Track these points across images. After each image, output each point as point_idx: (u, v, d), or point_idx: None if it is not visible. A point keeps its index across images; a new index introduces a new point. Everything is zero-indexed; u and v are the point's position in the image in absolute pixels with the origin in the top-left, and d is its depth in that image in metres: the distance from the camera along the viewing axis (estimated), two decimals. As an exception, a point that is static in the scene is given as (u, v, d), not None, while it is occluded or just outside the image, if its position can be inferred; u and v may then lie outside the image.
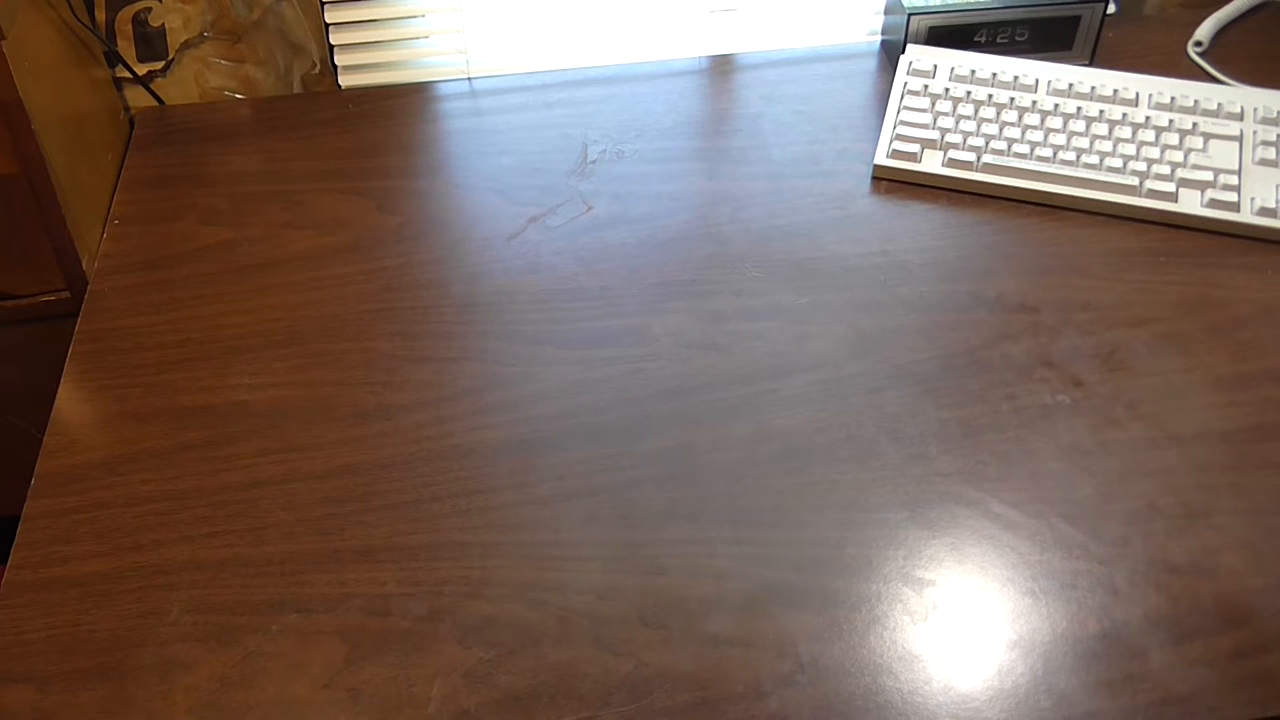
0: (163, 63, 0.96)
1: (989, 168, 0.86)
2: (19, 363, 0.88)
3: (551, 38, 1.01)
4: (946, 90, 0.91)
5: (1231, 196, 0.83)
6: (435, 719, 0.57)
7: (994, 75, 0.91)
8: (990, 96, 0.90)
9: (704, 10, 1.02)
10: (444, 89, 0.99)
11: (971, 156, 0.87)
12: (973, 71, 0.91)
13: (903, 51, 0.95)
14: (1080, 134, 0.87)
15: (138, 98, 0.97)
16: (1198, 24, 1.02)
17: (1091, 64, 0.98)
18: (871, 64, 1.01)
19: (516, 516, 0.65)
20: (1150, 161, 0.85)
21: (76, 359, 0.76)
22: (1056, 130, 0.87)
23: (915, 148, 0.87)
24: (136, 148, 0.93)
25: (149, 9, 0.93)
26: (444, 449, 0.69)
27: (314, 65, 0.98)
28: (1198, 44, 1.01)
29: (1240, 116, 0.87)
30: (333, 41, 0.98)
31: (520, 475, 0.68)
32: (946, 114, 0.89)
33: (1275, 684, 0.57)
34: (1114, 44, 1.01)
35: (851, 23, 1.03)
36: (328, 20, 0.97)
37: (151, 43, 0.95)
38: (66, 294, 0.83)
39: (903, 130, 0.89)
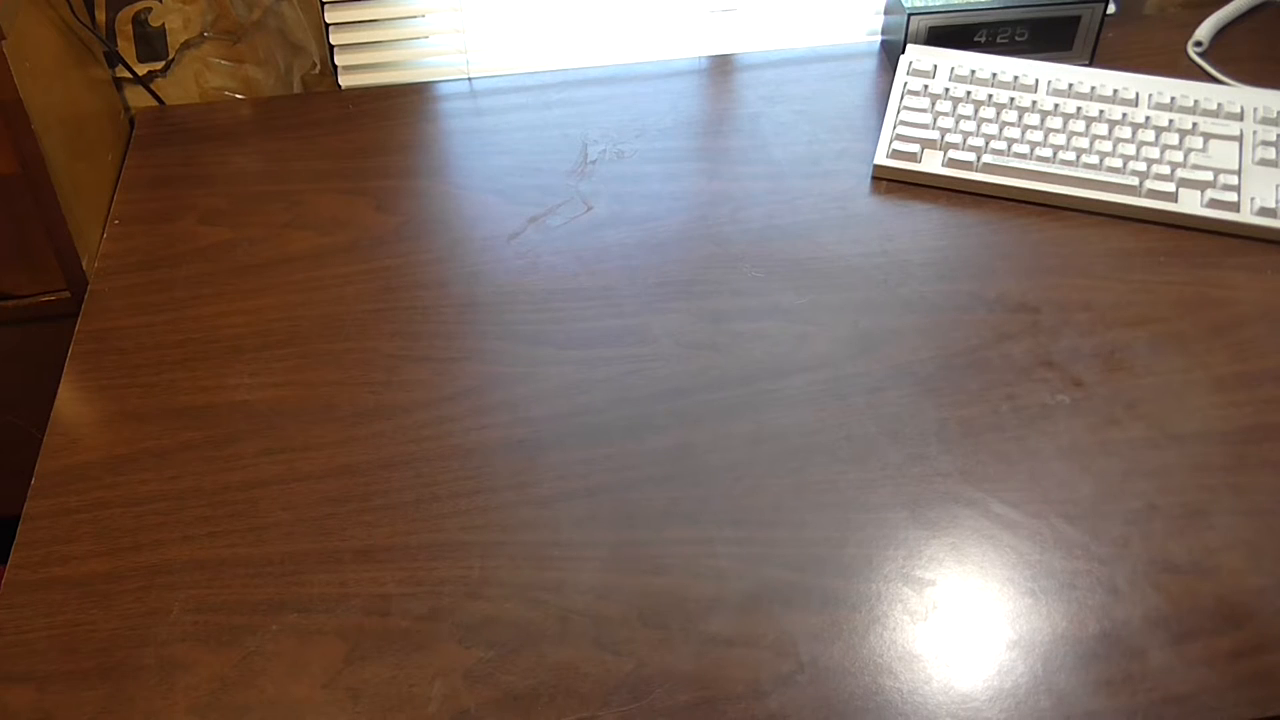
0: (163, 63, 0.96)
1: (989, 168, 0.86)
2: (19, 363, 0.88)
3: (551, 38, 1.01)
4: (946, 90, 0.91)
5: (1231, 196, 0.83)
6: (435, 719, 0.57)
7: (994, 75, 0.91)
8: (990, 96, 0.90)
9: (704, 10, 1.02)
10: (444, 89, 0.99)
11: (971, 156, 0.86)
12: (973, 71, 0.91)
13: (903, 51, 0.95)
14: (1080, 134, 0.87)
15: (138, 98, 0.97)
16: (1198, 24, 1.02)
17: (1091, 64, 0.98)
18: (871, 64, 1.01)
19: (516, 516, 0.66)
20: (1150, 161, 0.85)
21: (76, 359, 0.76)
22: (1056, 130, 0.87)
23: (915, 148, 0.87)
24: (136, 148, 0.93)
25: (149, 9, 0.93)
26: (444, 449, 0.69)
27: (314, 65, 0.98)
28: (1198, 44, 1.01)
29: (1240, 116, 0.87)
30: (333, 41, 0.98)
31: (520, 475, 0.68)
32: (946, 114, 0.89)
33: (1275, 684, 0.57)
34: (1114, 44, 1.01)
35: (851, 23, 1.03)
36: (328, 20, 0.97)
37: (151, 43, 0.95)
38: (66, 294, 0.83)
39: (903, 130, 0.89)
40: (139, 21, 0.94)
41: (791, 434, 0.70)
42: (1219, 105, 0.88)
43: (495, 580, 0.62)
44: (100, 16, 0.92)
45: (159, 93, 0.97)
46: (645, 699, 0.57)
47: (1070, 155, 0.86)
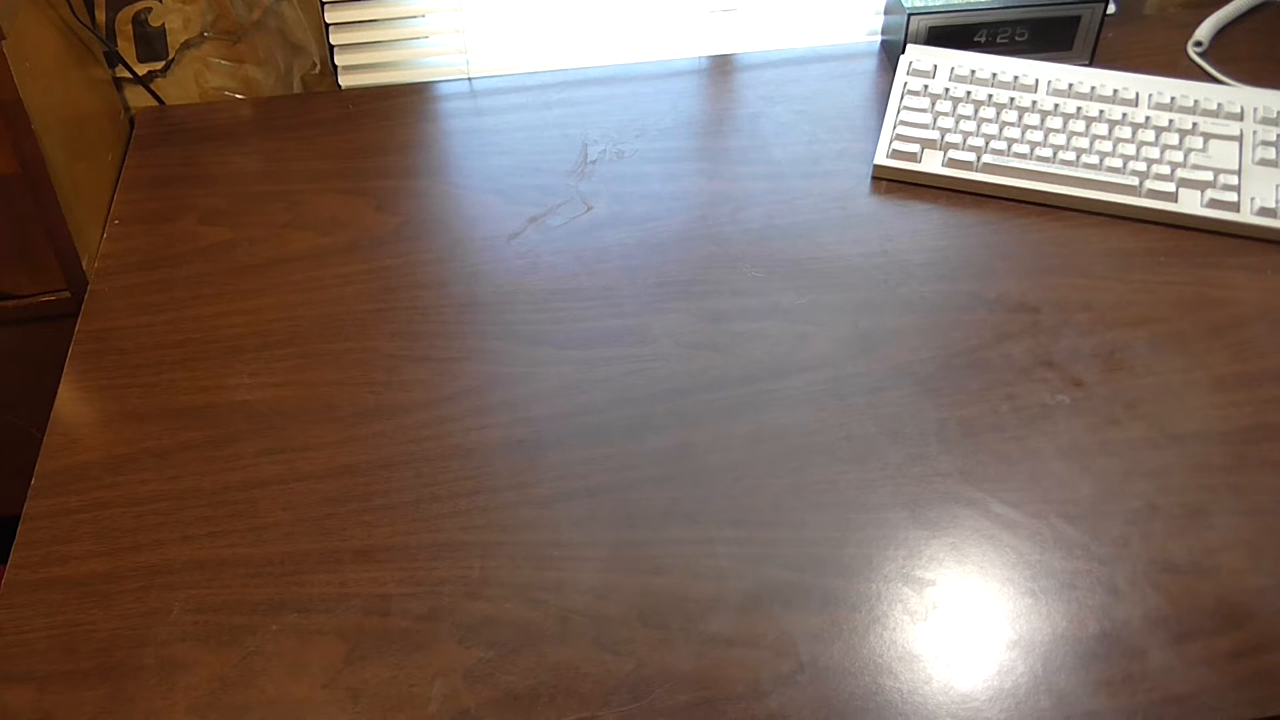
0: (163, 63, 0.96)
1: (989, 168, 0.86)
2: (19, 363, 0.88)
3: (551, 38, 1.01)
4: (946, 90, 0.91)
5: (1231, 196, 0.83)
6: (435, 719, 0.57)
7: (994, 75, 0.91)
8: (990, 96, 0.90)
9: (704, 10, 1.02)
10: (444, 89, 0.99)
11: (971, 156, 0.86)
12: (973, 71, 0.91)
13: (903, 51, 0.95)
14: (1080, 134, 0.87)
15: (138, 98, 0.97)
16: (1198, 24, 1.02)
17: (1091, 64, 0.98)
18: (871, 64, 1.01)
19: (516, 516, 0.66)
20: (1150, 161, 0.85)
21: (76, 359, 0.76)
22: (1056, 130, 0.87)
23: (915, 148, 0.87)
24: (136, 148, 0.93)
25: (149, 9, 0.93)
26: (444, 449, 0.69)
27: (314, 65, 0.98)
28: (1198, 44, 1.01)
29: (1240, 116, 0.87)
30: (333, 41, 0.98)
31: (520, 475, 0.68)
32: (946, 114, 0.89)
33: (1275, 684, 0.57)
34: (1114, 44, 1.01)
35: (851, 23, 1.03)
36: (328, 20, 0.97)
37: (151, 43, 0.95)
38: (66, 294, 0.83)
39: (903, 130, 0.89)
40: (139, 21, 0.94)
41: (791, 434, 0.70)
42: (1219, 105, 0.88)
43: (495, 580, 0.62)
44: (100, 16, 0.92)
45: (159, 93, 0.97)
46: (645, 699, 0.57)
47: (1070, 155, 0.86)
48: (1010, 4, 0.95)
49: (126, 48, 0.95)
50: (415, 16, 0.99)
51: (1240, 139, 0.86)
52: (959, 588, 0.62)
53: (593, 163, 0.91)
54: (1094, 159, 0.85)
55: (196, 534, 0.65)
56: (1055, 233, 0.84)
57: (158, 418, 0.72)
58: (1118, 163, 0.85)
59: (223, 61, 0.97)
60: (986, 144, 0.87)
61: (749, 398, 0.72)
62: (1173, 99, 0.88)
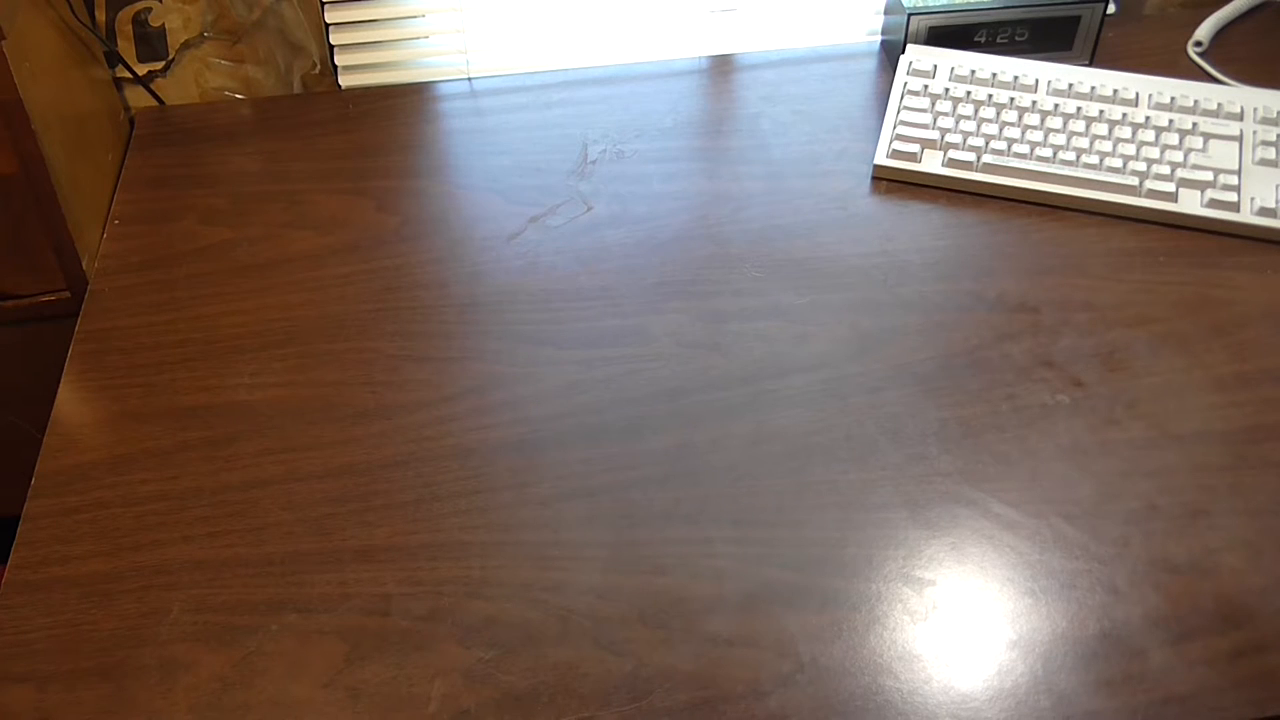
0: (163, 63, 0.96)
1: (989, 168, 0.86)
2: (19, 363, 0.88)
3: (551, 38, 1.01)
4: (946, 90, 0.91)
5: (1231, 196, 0.83)
6: (435, 719, 0.57)
7: (994, 75, 0.91)
8: (990, 96, 0.90)
9: (704, 10, 1.02)
10: (444, 89, 0.99)
11: (971, 156, 0.86)
12: (973, 71, 0.91)
13: (903, 51, 0.95)
14: (1080, 134, 0.87)
15: (138, 98, 0.97)
16: (1198, 24, 1.02)
17: (1091, 64, 0.98)
18: (871, 64, 1.01)
19: (516, 516, 0.66)
20: (1150, 161, 0.85)
21: (76, 359, 0.76)
22: (1056, 130, 0.87)
23: (915, 148, 0.87)
24: (136, 148, 0.93)
25: (149, 9, 0.93)
26: (444, 449, 0.69)
27: (314, 65, 0.98)
28: (1198, 44, 1.01)
29: (1240, 116, 0.87)
30: (333, 41, 0.98)
31: (520, 475, 0.68)
32: (946, 114, 0.89)
33: (1275, 684, 0.57)
34: (1114, 44, 1.01)
35: (851, 23, 1.03)
36: (328, 20, 0.97)
37: (151, 43, 0.95)
38: (66, 294, 0.83)
39: (903, 130, 0.89)
40: (139, 21, 0.94)
41: (791, 434, 0.70)
42: (1219, 105, 0.88)
43: (495, 580, 0.62)
44: (100, 16, 0.92)
45: (159, 93, 0.97)
46: (645, 699, 0.57)
47: (1070, 155, 0.86)
48: (1010, 4, 0.95)
49: (126, 48, 0.95)
50: (415, 16, 0.99)
51: (1240, 139, 0.86)
52: (959, 588, 0.62)
53: (593, 163, 0.91)
54: (1094, 159, 0.85)
55: (196, 534, 0.65)
56: (1055, 233, 0.84)
57: (158, 418, 0.72)
58: (1118, 163, 0.85)
59: (223, 61, 0.97)
60: (986, 144, 0.87)
61: (749, 398, 0.72)
62: (1173, 99, 0.88)
